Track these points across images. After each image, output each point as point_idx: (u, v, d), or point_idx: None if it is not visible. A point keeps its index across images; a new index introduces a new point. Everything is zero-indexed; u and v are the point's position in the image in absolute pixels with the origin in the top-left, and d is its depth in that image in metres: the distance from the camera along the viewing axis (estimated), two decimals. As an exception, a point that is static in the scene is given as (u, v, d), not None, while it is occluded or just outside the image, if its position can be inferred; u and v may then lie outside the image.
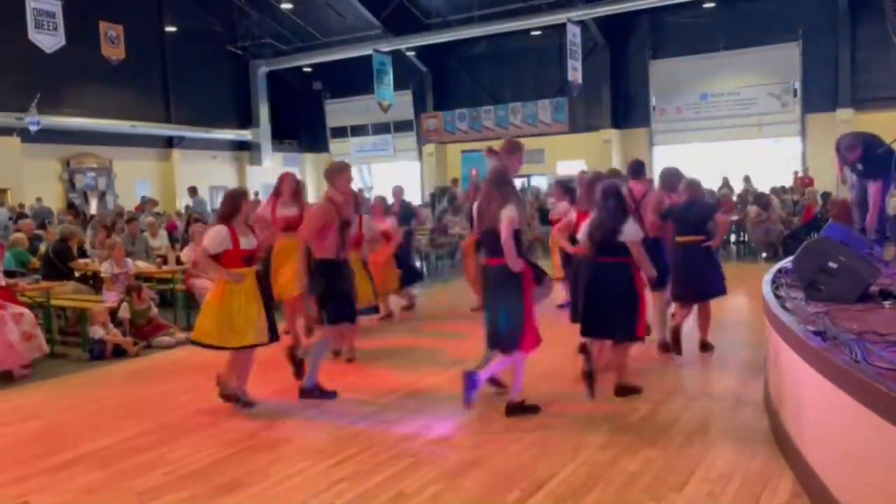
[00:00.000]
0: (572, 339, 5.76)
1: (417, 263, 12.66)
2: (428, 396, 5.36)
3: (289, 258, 6.33)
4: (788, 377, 3.94)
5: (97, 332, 7.14)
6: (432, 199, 18.42)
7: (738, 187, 16.97)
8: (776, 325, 4.10)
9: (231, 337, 4.98)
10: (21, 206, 16.91)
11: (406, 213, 9.20)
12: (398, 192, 9.57)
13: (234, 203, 5.11)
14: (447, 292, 10.75)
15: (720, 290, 6.16)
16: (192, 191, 18.38)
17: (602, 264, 5.01)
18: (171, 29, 23.18)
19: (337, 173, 5.51)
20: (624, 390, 5.14)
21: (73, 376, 6.55)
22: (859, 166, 6.91)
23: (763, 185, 16.96)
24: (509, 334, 4.66)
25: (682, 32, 20.23)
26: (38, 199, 17.83)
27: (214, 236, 5.00)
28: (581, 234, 5.26)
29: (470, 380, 4.64)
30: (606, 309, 4.98)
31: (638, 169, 6.71)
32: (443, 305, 9.31)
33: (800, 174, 17.48)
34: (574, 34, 19.29)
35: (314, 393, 5.34)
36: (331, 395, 5.35)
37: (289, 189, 6.78)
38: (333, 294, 5.28)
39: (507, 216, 4.49)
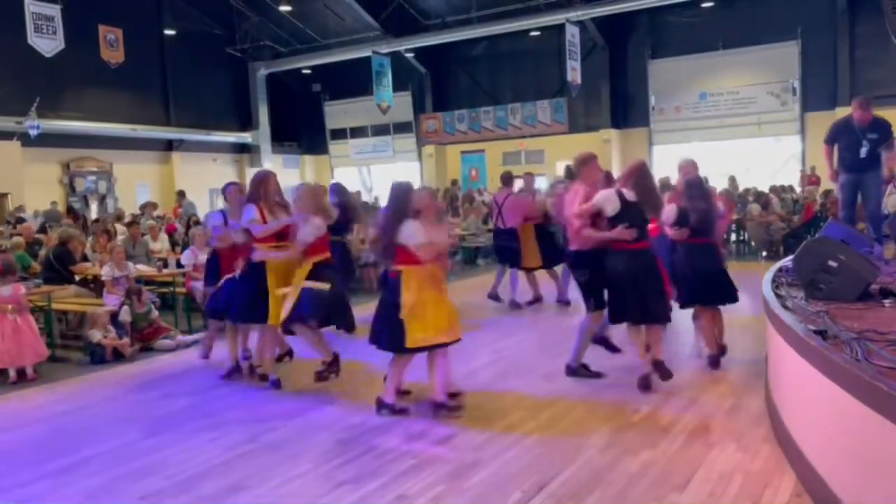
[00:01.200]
0: (570, 341, 5.77)
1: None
2: (429, 398, 5.35)
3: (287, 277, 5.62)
4: (789, 376, 3.94)
5: (95, 335, 7.15)
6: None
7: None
8: (777, 324, 4.10)
9: (439, 334, 4.83)
10: (19, 208, 16.92)
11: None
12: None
13: (407, 199, 4.91)
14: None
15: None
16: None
17: (703, 244, 5.72)
18: (170, 32, 23.17)
19: (584, 164, 5.51)
20: (722, 351, 5.92)
21: (75, 380, 6.55)
22: (871, 135, 6.88)
23: (763, 185, 16.94)
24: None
25: (681, 32, 20.23)
26: (53, 203, 17.93)
27: (415, 231, 4.80)
28: (671, 221, 5.75)
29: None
30: (720, 280, 5.79)
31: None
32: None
33: (807, 173, 17.47)
34: (573, 34, 19.28)
35: (581, 371, 5.63)
36: (599, 375, 5.62)
37: (274, 192, 5.80)
38: (598, 282, 5.35)
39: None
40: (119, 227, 12.38)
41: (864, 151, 6.91)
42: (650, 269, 5.22)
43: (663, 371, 5.19)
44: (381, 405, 5.02)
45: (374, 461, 4.16)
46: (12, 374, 6.50)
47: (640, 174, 5.25)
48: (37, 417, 5.44)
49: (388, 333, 4.85)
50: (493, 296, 8.95)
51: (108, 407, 5.61)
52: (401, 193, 4.97)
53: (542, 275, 9.09)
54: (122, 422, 5.16)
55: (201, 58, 23.95)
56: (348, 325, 5.71)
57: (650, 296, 5.14)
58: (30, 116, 17.97)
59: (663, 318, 5.28)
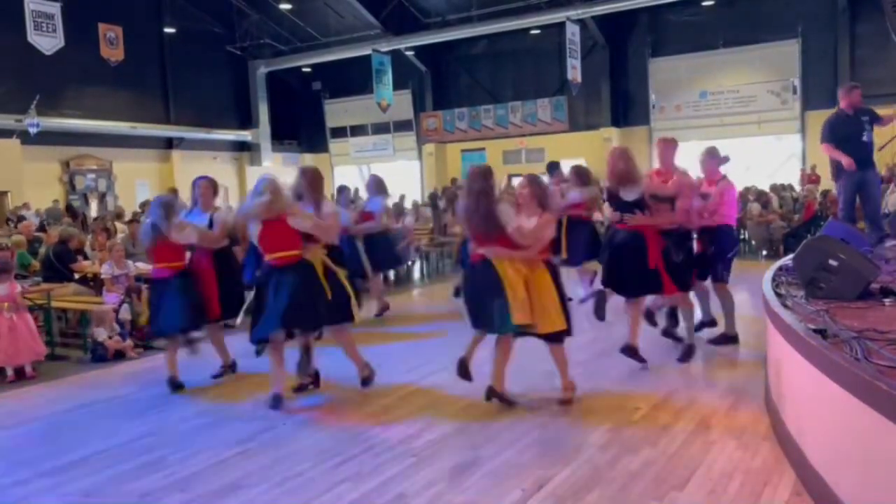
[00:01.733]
0: (572, 339, 5.76)
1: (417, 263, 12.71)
2: (429, 396, 5.36)
3: None
4: (789, 375, 3.93)
5: (101, 333, 7.14)
6: (432, 199, 18.44)
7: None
8: (777, 323, 4.09)
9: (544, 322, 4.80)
10: (25, 205, 16.93)
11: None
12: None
13: (488, 177, 4.83)
14: (448, 291, 10.73)
15: None
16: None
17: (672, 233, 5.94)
18: (170, 30, 23.18)
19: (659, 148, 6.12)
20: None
21: (74, 378, 6.55)
22: (865, 118, 6.88)
23: (763, 183, 16.93)
24: None
25: (682, 30, 20.24)
26: (55, 201, 17.96)
27: (515, 217, 4.82)
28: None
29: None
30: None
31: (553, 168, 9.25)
32: (443, 304, 9.29)
33: (807, 171, 17.46)
34: (573, 33, 19.29)
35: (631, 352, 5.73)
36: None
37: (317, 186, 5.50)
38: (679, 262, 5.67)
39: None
40: (119, 226, 12.37)
41: (867, 136, 6.91)
42: (625, 247, 5.58)
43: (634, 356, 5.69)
44: (492, 394, 4.93)
45: (374, 459, 4.16)
46: (10, 372, 6.50)
47: (609, 161, 5.69)
48: (35, 416, 5.44)
49: (493, 313, 4.74)
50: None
51: (107, 405, 5.61)
52: (480, 173, 4.87)
53: None
54: (121, 420, 5.16)
55: (201, 56, 23.95)
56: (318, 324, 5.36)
57: (623, 272, 5.60)
58: (29, 114, 17.97)
59: (627, 292, 5.70)
